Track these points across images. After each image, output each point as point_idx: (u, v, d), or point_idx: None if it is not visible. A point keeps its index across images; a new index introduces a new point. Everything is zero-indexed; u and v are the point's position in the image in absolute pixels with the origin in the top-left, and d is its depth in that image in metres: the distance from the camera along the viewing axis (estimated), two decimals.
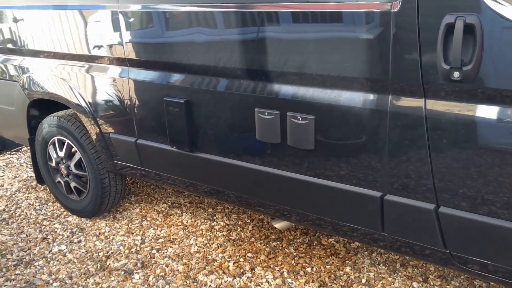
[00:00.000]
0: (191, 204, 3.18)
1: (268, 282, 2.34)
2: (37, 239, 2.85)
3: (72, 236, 2.87)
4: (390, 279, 2.32)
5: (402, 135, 1.57)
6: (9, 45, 2.93)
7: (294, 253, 2.56)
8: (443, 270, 2.36)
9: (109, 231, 2.89)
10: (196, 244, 2.70)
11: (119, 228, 2.92)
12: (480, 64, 1.36)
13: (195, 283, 2.36)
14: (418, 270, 2.38)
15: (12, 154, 4.30)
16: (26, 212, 3.19)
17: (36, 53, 2.79)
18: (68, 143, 2.86)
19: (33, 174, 3.37)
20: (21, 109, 3.04)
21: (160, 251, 2.65)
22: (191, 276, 2.42)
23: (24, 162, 4.10)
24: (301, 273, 2.40)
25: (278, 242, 2.67)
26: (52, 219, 3.08)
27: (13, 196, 3.44)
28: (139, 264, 2.54)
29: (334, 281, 2.32)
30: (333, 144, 1.76)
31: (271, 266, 2.46)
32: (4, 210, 3.23)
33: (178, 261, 2.55)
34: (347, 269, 2.41)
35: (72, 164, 2.89)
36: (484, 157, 1.45)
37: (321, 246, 2.62)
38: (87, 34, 2.43)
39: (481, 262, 1.59)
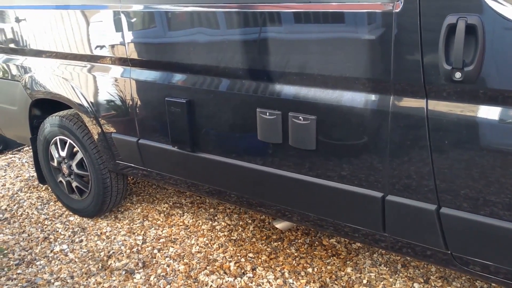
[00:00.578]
0: (192, 204, 3.18)
1: (269, 282, 2.34)
2: (39, 238, 2.86)
3: (74, 236, 2.87)
4: (391, 280, 2.32)
5: (404, 136, 1.57)
6: (12, 45, 2.93)
7: (295, 254, 2.56)
8: (444, 271, 2.36)
9: (110, 231, 2.90)
10: (198, 244, 2.70)
11: (120, 228, 2.92)
12: (482, 65, 1.36)
13: (196, 283, 2.36)
14: (420, 271, 2.37)
15: (14, 154, 4.31)
16: (28, 212, 3.19)
17: (38, 53, 2.79)
18: (70, 142, 2.87)
19: (35, 174, 3.37)
20: (23, 109, 3.05)
21: (161, 251, 2.65)
22: (192, 276, 2.42)
23: (26, 161, 4.11)
24: (302, 273, 2.40)
25: (279, 243, 2.67)
26: (53, 219, 3.09)
27: (15, 195, 3.44)
28: (140, 264, 2.54)
29: (335, 282, 2.32)
30: (334, 144, 1.76)
31: (272, 266, 2.46)
32: (6, 209, 3.24)
33: (179, 261, 2.56)
34: (348, 269, 2.41)
35: (74, 164, 2.89)
36: (485, 158, 1.44)
37: (322, 246, 2.62)
38: (89, 34, 2.43)
39: (483, 263, 1.59)
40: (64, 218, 3.09)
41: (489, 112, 1.41)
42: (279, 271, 2.42)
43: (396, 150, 1.61)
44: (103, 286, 2.39)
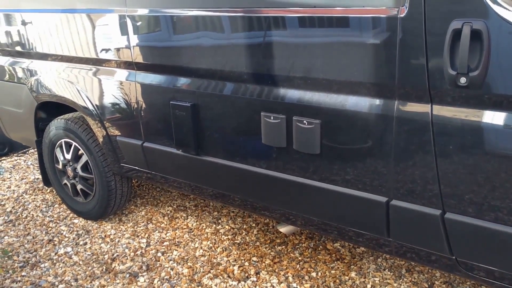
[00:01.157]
0: (196, 207, 3.18)
1: (273, 286, 2.34)
2: (43, 241, 2.87)
3: (78, 238, 2.88)
4: (395, 284, 2.31)
5: (408, 140, 1.57)
6: (18, 48, 2.95)
7: (299, 258, 2.56)
8: (449, 276, 2.35)
9: (114, 234, 2.91)
10: (201, 248, 2.70)
11: (124, 231, 2.93)
12: (487, 70, 1.36)
13: (200, 287, 2.36)
14: (424, 276, 2.36)
15: (20, 156, 4.33)
16: (32, 214, 3.21)
17: (44, 56, 2.81)
18: (75, 145, 2.88)
19: (40, 176, 3.39)
20: (28, 112, 3.07)
21: (165, 254, 2.65)
22: (196, 279, 2.42)
23: (31, 164, 4.13)
24: (306, 277, 2.39)
25: (283, 247, 2.66)
26: (58, 221, 3.10)
27: (20, 198, 3.46)
28: (144, 267, 2.55)
29: (339, 286, 2.32)
30: (339, 148, 1.76)
31: (276, 270, 2.46)
32: (11, 211, 3.25)
33: (183, 264, 2.56)
34: (353, 274, 2.40)
35: (78, 167, 2.90)
36: (490, 163, 1.44)
37: (326, 251, 2.61)
38: (94, 38, 2.45)
39: (487, 268, 1.58)
40: (69, 220, 3.10)
41: (494, 118, 1.41)
42: (283, 275, 2.42)
43: (400, 154, 1.60)
44: None
